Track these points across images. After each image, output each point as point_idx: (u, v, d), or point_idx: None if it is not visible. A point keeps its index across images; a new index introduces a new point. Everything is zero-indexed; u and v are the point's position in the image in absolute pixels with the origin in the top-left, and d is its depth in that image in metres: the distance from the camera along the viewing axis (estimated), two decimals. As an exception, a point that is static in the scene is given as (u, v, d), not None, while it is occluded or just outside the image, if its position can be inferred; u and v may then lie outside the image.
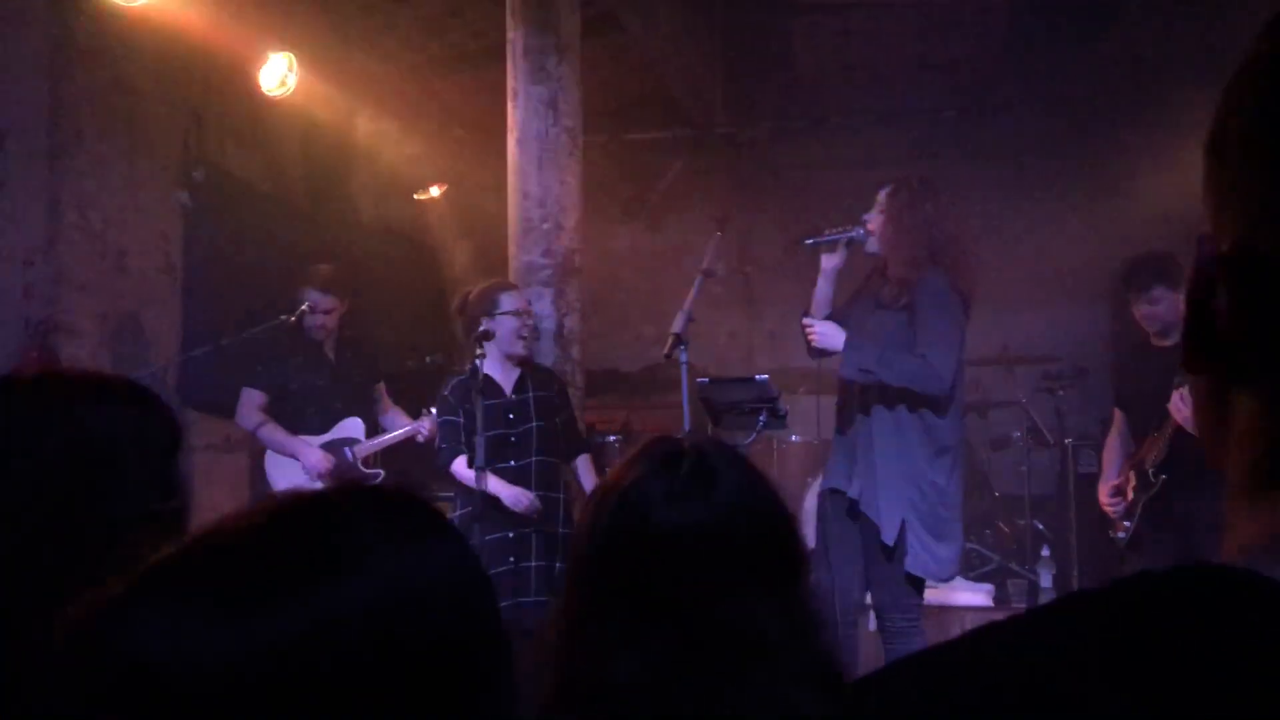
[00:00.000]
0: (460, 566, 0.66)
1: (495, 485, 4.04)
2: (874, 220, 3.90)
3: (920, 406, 3.77)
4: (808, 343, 3.89)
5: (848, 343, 3.77)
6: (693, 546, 1.32)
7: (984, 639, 0.50)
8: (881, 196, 3.92)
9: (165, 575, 0.60)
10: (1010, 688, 0.47)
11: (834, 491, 3.89)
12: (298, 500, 0.65)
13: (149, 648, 0.56)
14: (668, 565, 1.32)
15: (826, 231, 3.97)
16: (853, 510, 3.81)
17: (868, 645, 3.99)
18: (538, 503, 4.07)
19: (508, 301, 4.26)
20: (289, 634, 0.57)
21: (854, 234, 3.92)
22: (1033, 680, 0.46)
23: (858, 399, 3.84)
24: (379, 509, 0.65)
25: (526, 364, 4.33)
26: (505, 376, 4.27)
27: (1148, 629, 0.47)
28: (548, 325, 4.83)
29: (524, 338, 4.26)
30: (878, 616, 3.85)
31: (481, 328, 4.18)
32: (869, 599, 3.88)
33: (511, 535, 4.05)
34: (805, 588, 1.42)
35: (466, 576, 0.66)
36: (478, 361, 4.11)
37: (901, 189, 3.88)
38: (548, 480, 4.18)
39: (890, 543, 3.69)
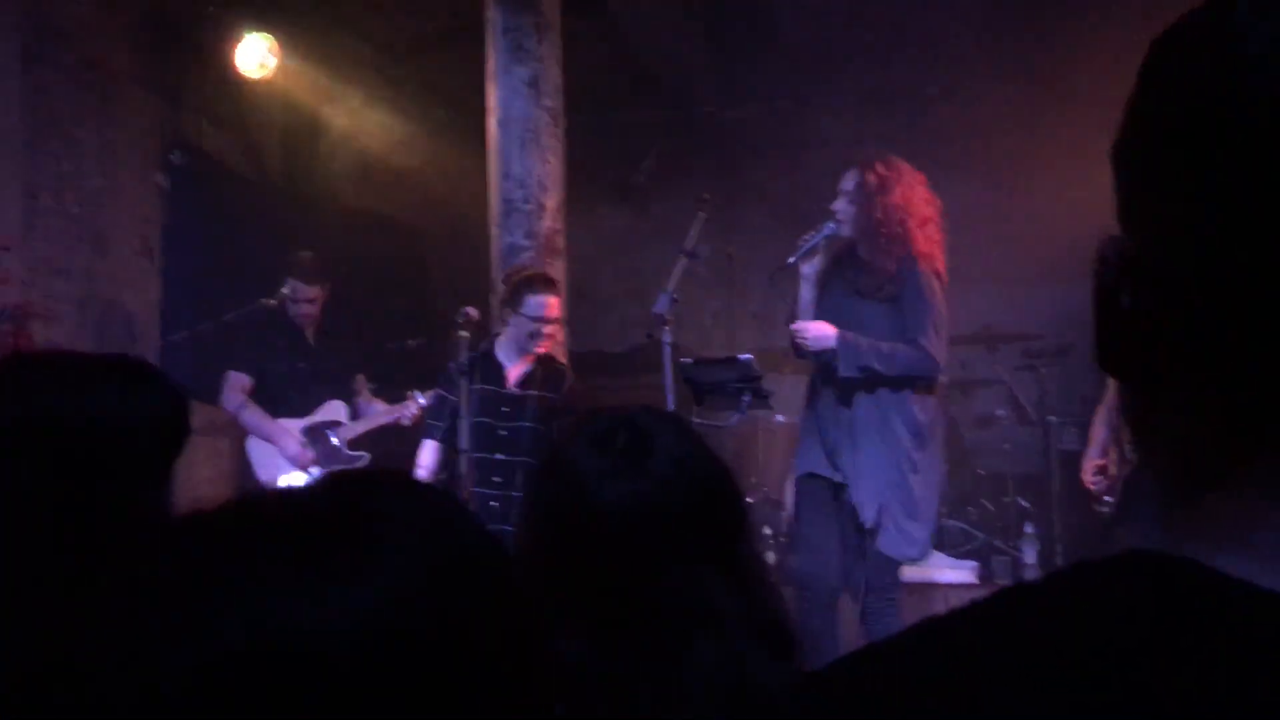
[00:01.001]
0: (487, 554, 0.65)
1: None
2: (843, 207, 3.85)
3: (904, 388, 3.79)
4: (795, 346, 3.86)
5: (842, 342, 3.74)
6: (630, 522, 1.31)
7: (924, 635, 0.51)
8: (849, 183, 3.85)
9: (263, 548, 0.57)
10: (938, 687, 0.47)
11: (811, 476, 3.88)
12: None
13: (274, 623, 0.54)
14: (607, 542, 1.31)
15: (802, 241, 3.90)
16: (834, 493, 3.83)
17: (849, 629, 4.01)
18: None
19: (532, 305, 4.16)
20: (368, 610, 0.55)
21: (828, 231, 3.87)
22: (963, 679, 0.47)
23: (836, 380, 3.82)
24: (414, 496, 0.65)
25: (543, 362, 4.25)
26: (515, 366, 4.22)
27: (1086, 621, 0.47)
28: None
29: (532, 335, 4.17)
30: (855, 598, 3.87)
31: (508, 322, 4.20)
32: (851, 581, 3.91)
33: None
34: (748, 547, 1.42)
35: (494, 563, 0.64)
36: (491, 343, 4.11)
37: (869, 173, 3.81)
38: None
39: (869, 524, 3.73)
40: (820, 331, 3.77)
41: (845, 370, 3.75)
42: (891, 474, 3.75)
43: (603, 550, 1.31)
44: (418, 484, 0.65)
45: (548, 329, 4.19)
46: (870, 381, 3.77)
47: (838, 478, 3.80)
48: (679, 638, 1.26)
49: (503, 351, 4.20)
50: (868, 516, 3.73)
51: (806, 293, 3.92)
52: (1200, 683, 0.44)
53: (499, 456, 4.08)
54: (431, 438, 4.24)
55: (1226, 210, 0.49)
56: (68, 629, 0.57)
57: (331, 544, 0.58)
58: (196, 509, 0.61)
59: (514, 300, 4.19)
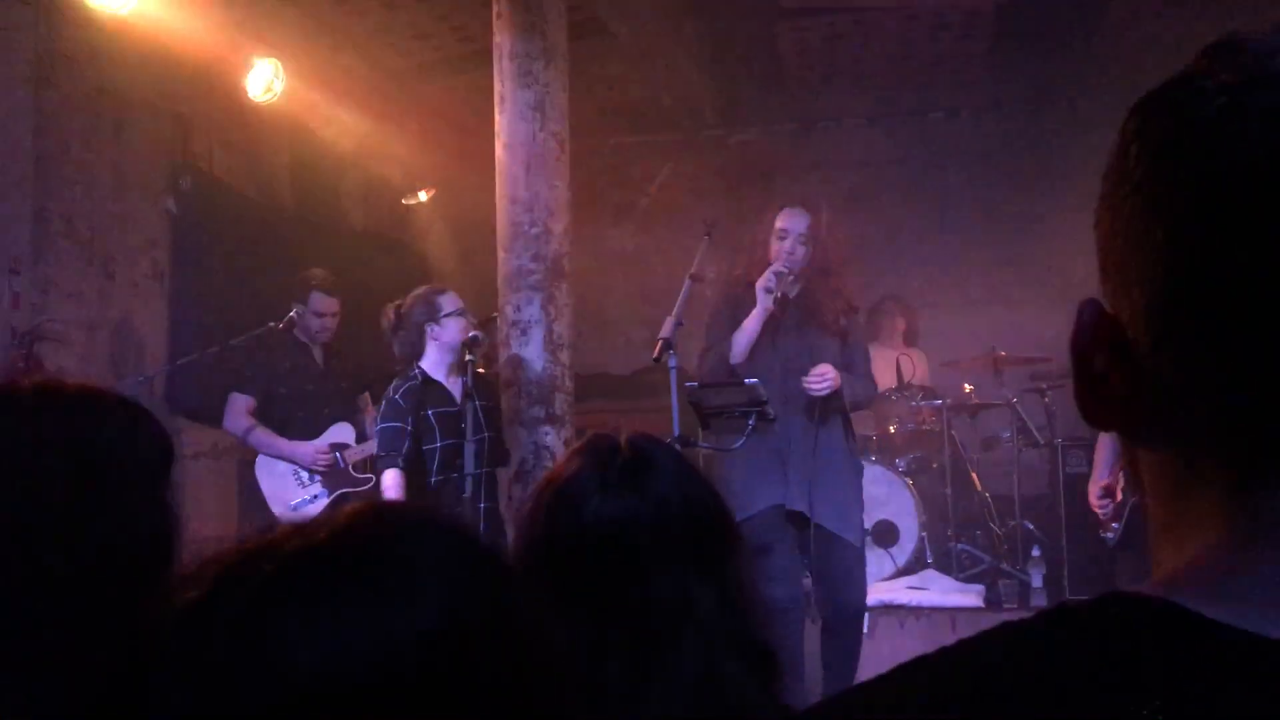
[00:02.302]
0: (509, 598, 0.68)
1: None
2: (793, 248, 4.01)
3: (848, 412, 4.16)
4: (810, 389, 3.96)
5: (844, 380, 4.01)
6: (626, 536, 1.37)
7: (908, 675, 0.53)
8: (799, 224, 4.03)
9: (286, 580, 0.60)
10: None
11: (775, 507, 3.95)
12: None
13: (302, 652, 0.56)
14: (602, 555, 1.37)
15: (771, 285, 3.98)
16: (795, 518, 3.94)
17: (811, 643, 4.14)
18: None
19: (448, 302, 4.27)
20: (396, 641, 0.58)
21: (784, 270, 4.00)
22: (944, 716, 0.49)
23: (795, 410, 3.98)
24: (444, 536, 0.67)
25: (468, 371, 4.26)
26: (452, 384, 4.25)
27: (1067, 663, 0.49)
28: (537, 329, 4.82)
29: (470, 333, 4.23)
30: (820, 618, 4.07)
31: (435, 332, 4.18)
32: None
33: None
34: (739, 570, 1.45)
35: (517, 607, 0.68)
36: (422, 367, 4.12)
37: (821, 215, 4.06)
38: (491, 491, 4.17)
39: (859, 545, 4.04)
40: (833, 373, 3.96)
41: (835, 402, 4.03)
42: (858, 491, 4.14)
43: (596, 562, 1.37)
44: (432, 511, 0.68)
45: (471, 316, 4.30)
46: (831, 408, 4.04)
47: (809, 513, 3.91)
48: (665, 640, 1.31)
49: (436, 374, 4.21)
50: (858, 538, 4.04)
51: (756, 328, 4.00)
52: None
53: (462, 473, 4.09)
54: (395, 466, 4.09)
55: (1191, 276, 0.51)
56: (137, 660, 0.59)
57: (381, 570, 0.60)
58: (241, 540, 0.63)
59: (431, 314, 4.21)
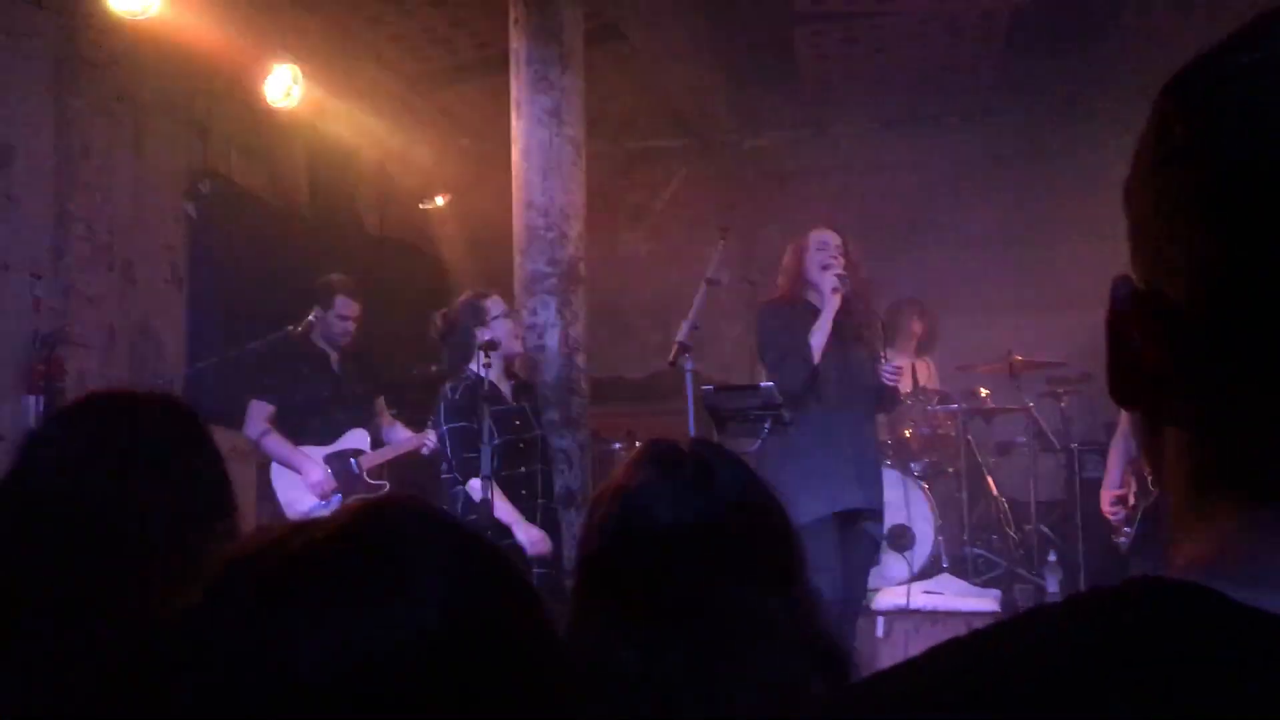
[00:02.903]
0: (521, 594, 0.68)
1: (507, 515, 3.99)
2: (837, 254, 4.29)
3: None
4: (893, 389, 4.32)
5: None
6: (696, 543, 1.36)
7: (940, 657, 0.53)
8: (835, 239, 4.33)
9: (280, 579, 0.60)
10: (954, 703, 0.49)
11: (842, 513, 4.07)
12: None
13: (294, 651, 0.56)
14: (672, 562, 1.36)
15: (839, 285, 4.22)
16: (859, 520, 4.09)
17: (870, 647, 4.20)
18: (549, 544, 4.03)
19: (495, 307, 4.32)
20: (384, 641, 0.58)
21: (842, 273, 4.26)
22: (976, 696, 0.49)
23: (854, 414, 4.23)
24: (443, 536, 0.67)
25: (515, 376, 4.38)
26: (505, 385, 4.30)
27: (1101, 645, 0.49)
28: (553, 333, 4.84)
29: (520, 336, 4.30)
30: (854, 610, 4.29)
31: (486, 337, 4.20)
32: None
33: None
34: (802, 573, 1.46)
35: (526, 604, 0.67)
36: (483, 371, 4.12)
37: (844, 238, 4.36)
38: (549, 489, 4.20)
39: (881, 538, 4.37)
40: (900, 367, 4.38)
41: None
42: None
43: (666, 570, 1.36)
44: (433, 508, 0.68)
45: (520, 317, 4.46)
46: (872, 412, 4.43)
47: (872, 504, 4.15)
48: (733, 651, 1.31)
49: (493, 377, 4.25)
50: (881, 530, 4.32)
51: (828, 323, 4.17)
52: (1201, 702, 0.46)
53: (522, 469, 4.12)
54: (475, 474, 4.02)
55: (1231, 248, 0.51)
56: (140, 659, 0.60)
57: (383, 568, 0.60)
58: (243, 541, 0.64)
59: (479, 318, 4.25)
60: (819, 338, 4.11)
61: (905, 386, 5.99)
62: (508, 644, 0.62)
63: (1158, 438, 0.58)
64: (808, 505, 3.89)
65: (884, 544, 4.40)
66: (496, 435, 4.05)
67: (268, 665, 0.56)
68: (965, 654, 0.52)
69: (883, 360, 4.28)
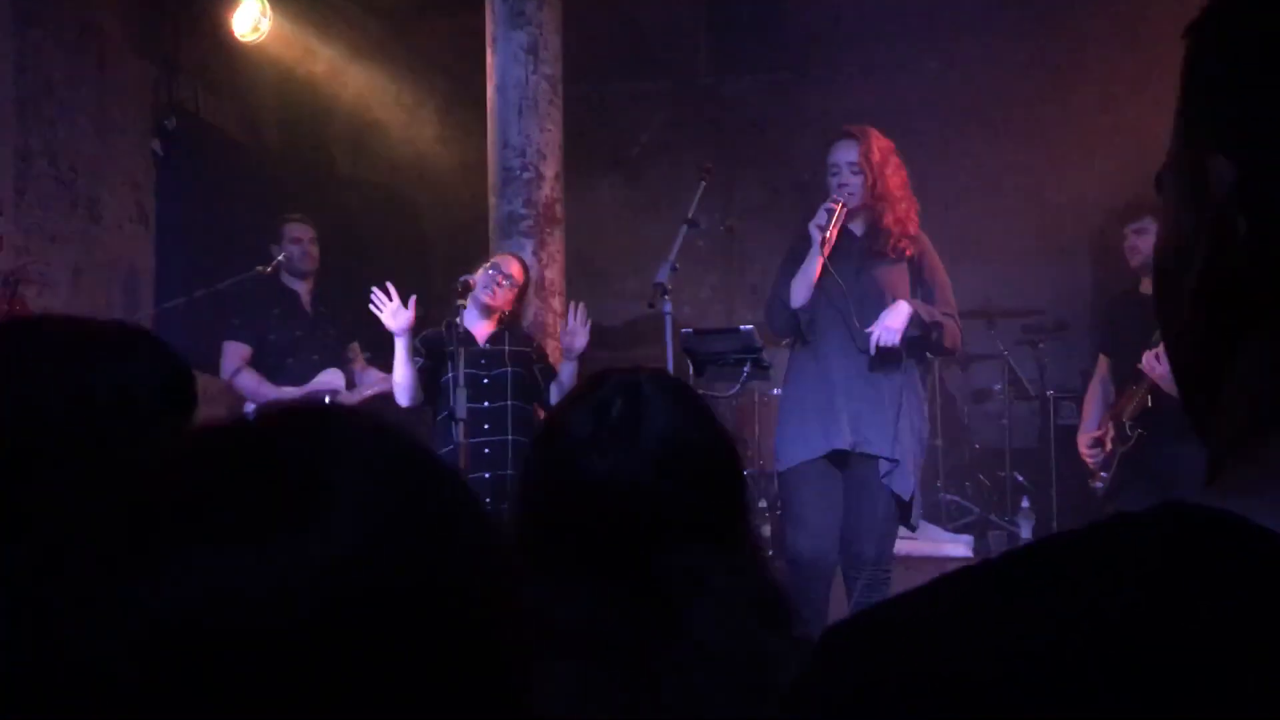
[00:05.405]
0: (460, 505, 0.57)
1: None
2: (849, 179, 3.77)
3: (921, 363, 3.88)
4: (882, 347, 3.66)
5: (915, 314, 3.68)
6: (622, 496, 1.28)
7: (961, 584, 0.49)
8: (848, 155, 3.77)
9: (173, 508, 0.50)
10: (984, 642, 0.46)
11: (836, 460, 3.75)
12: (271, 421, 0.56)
13: (194, 589, 0.47)
14: (599, 514, 1.28)
15: (826, 210, 3.73)
16: (838, 465, 3.74)
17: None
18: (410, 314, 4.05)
19: (496, 261, 4.34)
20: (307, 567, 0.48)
21: (842, 203, 3.73)
22: (1004, 634, 0.46)
23: (855, 356, 3.73)
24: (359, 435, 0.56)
25: (506, 325, 4.32)
26: (481, 329, 4.26)
27: (1128, 574, 0.46)
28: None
29: (499, 286, 4.22)
30: (856, 571, 3.77)
31: (461, 279, 4.17)
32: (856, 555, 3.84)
33: (488, 477, 4.02)
34: (744, 523, 1.39)
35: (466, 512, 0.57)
36: (457, 316, 4.11)
37: (871, 142, 3.77)
38: (522, 426, 4.16)
39: (908, 498, 3.73)
40: (895, 314, 3.68)
41: (909, 332, 3.69)
42: (916, 448, 3.79)
43: (593, 522, 1.28)
44: (374, 421, 0.57)
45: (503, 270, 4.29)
46: (903, 357, 3.72)
47: (863, 447, 3.69)
48: (674, 607, 1.24)
49: (470, 321, 4.25)
50: (907, 491, 3.72)
51: (812, 265, 3.74)
52: (1233, 630, 0.43)
53: (485, 404, 4.08)
54: (442, 410, 4.13)
55: None
56: None
57: (278, 488, 0.50)
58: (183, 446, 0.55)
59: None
60: (800, 283, 3.75)
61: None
62: (441, 571, 0.52)
63: (1221, 353, 0.53)
64: (784, 450, 3.86)
65: (915, 497, 3.77)
66: (463, 375, 4.05)
67: (119, 610, 0.46)
68: (990, 578, 0.49)
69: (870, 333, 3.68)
